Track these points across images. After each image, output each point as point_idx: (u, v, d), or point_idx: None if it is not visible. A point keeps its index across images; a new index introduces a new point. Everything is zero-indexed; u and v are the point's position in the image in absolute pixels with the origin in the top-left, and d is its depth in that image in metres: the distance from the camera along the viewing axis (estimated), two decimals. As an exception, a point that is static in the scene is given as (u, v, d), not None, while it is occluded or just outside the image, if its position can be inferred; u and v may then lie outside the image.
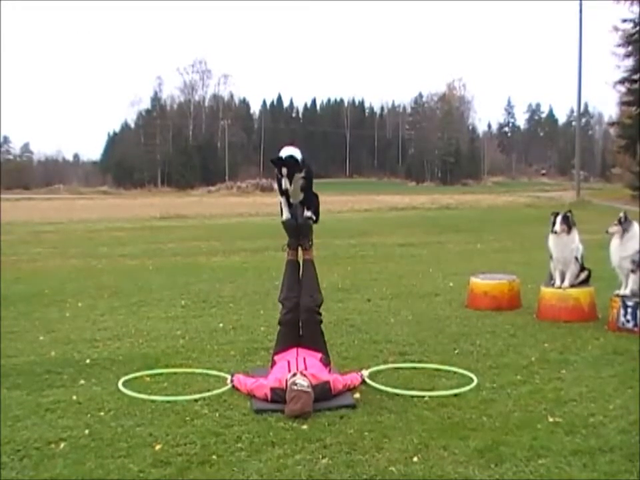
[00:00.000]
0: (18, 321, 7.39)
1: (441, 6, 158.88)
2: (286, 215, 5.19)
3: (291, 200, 5.17)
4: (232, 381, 4.82)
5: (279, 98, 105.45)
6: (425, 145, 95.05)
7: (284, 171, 4.94)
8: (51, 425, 4.19)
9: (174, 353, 5.90)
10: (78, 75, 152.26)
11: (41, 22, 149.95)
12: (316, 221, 5.33)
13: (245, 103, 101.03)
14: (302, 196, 5.15)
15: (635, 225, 6.66)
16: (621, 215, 6.76)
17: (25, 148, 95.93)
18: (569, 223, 7.04)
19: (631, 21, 34.47)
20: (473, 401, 4.50)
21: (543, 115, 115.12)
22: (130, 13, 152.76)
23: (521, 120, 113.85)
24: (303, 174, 5.00)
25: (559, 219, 7.03)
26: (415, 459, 3.58)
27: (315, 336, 5.06)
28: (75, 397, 4.68)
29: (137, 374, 5.14)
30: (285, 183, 4.97)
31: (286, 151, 5.02)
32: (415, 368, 5.26)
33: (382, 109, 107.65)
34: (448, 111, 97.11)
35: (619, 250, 6.68)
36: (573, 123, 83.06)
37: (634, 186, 34.17)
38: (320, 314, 5.15)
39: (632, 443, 3.73)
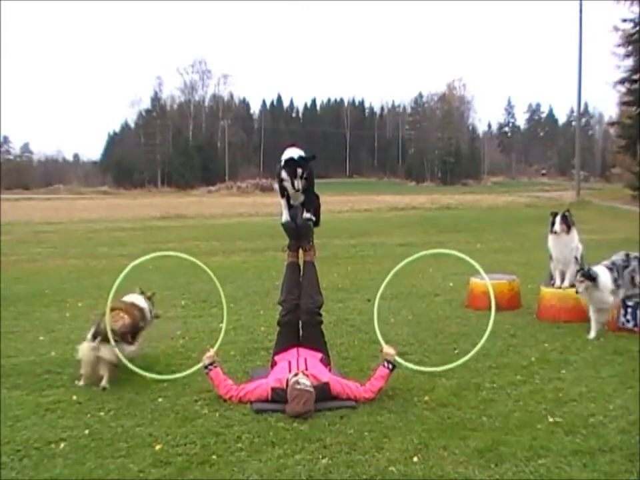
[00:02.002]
0: (18, 321, 7.39)
1: (441, 6, 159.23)
2: (285, 217, 5.18)
3: (292, 201, 5.17)
4: (208, 371, 4.69)
5: (279, 98, 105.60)
6: (425, 145, 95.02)
7: (299, 171, 4.90)
8: (51, 425, 4.19)
9: (174, 353, 5.90)
10: (78, 75, 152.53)
11: (41, 22, 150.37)
12: (317, 224, 5.31)
13: (244, 103, 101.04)
14: (302, 197, 5.15)
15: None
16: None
17: (25, 148, 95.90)
18: (568, 223, 7.04)
19: (631, 20, 34.43)
20: (473, 401, 4.50)
21: (543, 115, 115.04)
22: (130, 12, 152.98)
23: (521, 120, 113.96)
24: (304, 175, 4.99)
25: (558, 218, 7.04)
26: (415, 458, 3.58)
27: (316, 337, 5.07)
28: (75, 397, 4.68)
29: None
30: (298, 183, 4.93)
31: (293, 152, 4.98)
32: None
33: (382, 109, 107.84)
34: (448, 110, 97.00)
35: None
36: (573, 123, 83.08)
37: (634, 186, 34.13)
38: (320, 315, 5.15)
39: (632, 443, 3.73)
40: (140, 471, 3.52)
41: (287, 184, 4.98)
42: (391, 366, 4.61)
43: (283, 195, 5.13)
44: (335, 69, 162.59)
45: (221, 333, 5.11)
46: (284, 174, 4.96)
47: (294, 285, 5.18)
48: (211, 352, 4.80)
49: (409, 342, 6.11)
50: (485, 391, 4.70)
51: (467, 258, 4.99)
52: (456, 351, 5.75)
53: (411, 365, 4.86)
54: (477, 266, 4.91)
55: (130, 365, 4.78)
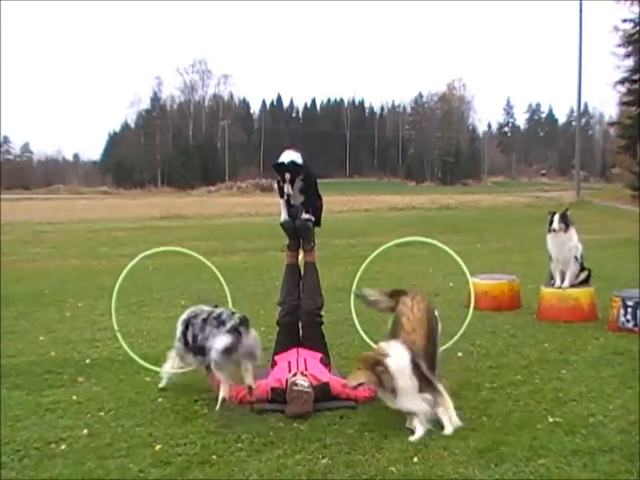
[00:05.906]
0: (18, 321, 7.39)
1: (441, 6, 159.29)
2: (283, 216, 5.20)
3: (292, 201, 5.18)
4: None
5: (279, 98, 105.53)
6: (425, 144, 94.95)
7: (287, 176, 4.95)
8: (51, 425, 4.19)
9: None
10: (78, 75, 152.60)
11: (41, 22, 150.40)
12: (317, 223, 5.31)
13: (244, 103, 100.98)
14: (302, 198, 5.16)
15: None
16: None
17: (25, 148, 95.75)
18: (566, 222, 7.05)
19: (631, 20, 34.43)
20: (473, 401, 4.50)
21: (543, 115, 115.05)
22: (130, 12, 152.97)
23: (521, 120, 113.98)
24: (301, 176, 5.02)
25: (556, 217, 7.05)
26: (415, 459, 3.58)
27: (316, 337, 5.07)
28: (75, 397, 4.68)
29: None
30: (288, 188, 4.98)
31: (287, 156, 5.02)
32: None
33: (382, 109, 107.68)
34: (448, 110, 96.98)
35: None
36: (573, 123, 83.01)
37: (634, 186, 34.11)
38: (321, 316, 5.16)
39: (632, 443, 3.72)
40: (140, 471, 3.51)
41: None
42: None
43: (281, 196, 5.15)
44: (335, 69, 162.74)
45: None
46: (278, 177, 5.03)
47: (293, 286, 5.19)
48: None
49: (409, 342, 6.09)
50: (485, 391, 4.70)
51: (443, 246, 5.03)
52: (459, 353, 5.74)
53: None
54: (456, 256, 4.93)
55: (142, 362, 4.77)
